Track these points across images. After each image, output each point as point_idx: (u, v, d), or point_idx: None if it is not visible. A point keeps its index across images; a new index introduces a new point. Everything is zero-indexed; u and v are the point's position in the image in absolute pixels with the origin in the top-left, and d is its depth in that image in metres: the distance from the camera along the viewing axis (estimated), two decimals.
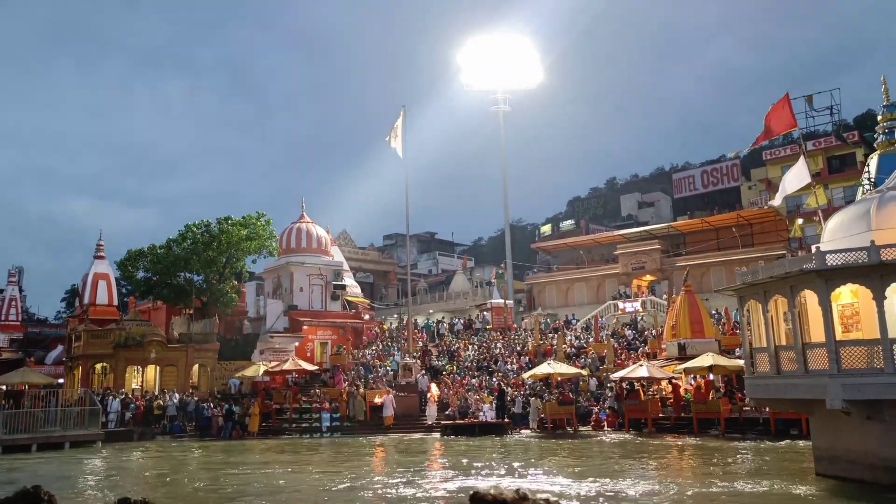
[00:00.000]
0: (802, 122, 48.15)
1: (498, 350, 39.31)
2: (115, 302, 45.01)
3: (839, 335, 14.26)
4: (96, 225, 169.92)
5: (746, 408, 26.52)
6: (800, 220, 38.50)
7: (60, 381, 37.64)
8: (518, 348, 39.17)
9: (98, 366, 36.64)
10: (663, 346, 32.24)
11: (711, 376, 28.54)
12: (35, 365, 43.12)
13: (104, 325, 38.22)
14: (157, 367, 36.88)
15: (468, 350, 39.97)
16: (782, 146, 54.33)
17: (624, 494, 14.16)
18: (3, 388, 33.25)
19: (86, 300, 43.09)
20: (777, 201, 26.41)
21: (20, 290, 60.77)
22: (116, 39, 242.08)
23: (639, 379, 29.16)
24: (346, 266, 48.42)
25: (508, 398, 31.54)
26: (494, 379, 34.49)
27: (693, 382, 29.44)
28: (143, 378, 36.89)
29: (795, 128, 23.26)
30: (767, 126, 22.21)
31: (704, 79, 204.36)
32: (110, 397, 32.44)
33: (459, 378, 35.48)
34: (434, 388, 32.64)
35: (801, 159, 22.49)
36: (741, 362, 27.53)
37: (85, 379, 35.60)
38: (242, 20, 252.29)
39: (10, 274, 59.33)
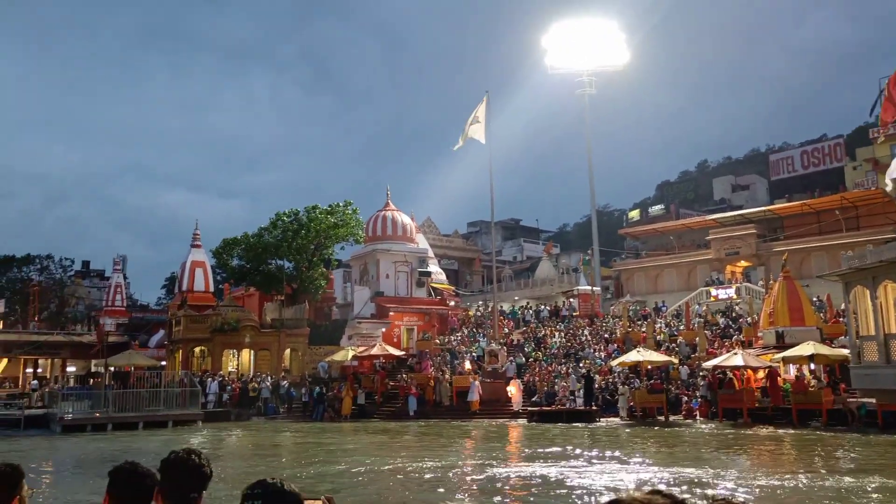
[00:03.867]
0: None
1: (585, 337, 38.77)
2: (212, 288, 46.77)
3: None
4: (191, 215, 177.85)
5: (851, 399, 25.26)
6: None
7: (163, 363, 39.52)
8: (606, 336, 38.52)
9: (197, 349, 38.27)
10: (759, 335, 31.01)
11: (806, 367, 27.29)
12: (139, 348, 45.37)
13: (201, 310, 39.81)
14: (252, 351, 38.21)
15: (555, 337, 39.59)
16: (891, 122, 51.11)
17: (722, 485, 13.68)
18: (112, 369, 35.18)
19: (184, 287, 44.95)
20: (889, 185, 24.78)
21: (124, 278, 64.00)
22: (204, 38, 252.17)
23: (733, 368, 28.15)
24: (430, 253, 48.75)
25: (596, 386, 31.09)
26: (582, 366, 34.04)
27: (793, 372, 28.25)
28: (238, 361, 38.31)
29: None
30: (890, 99, 20.85)
31: (800, 55, 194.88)
32: (209, 379, 33.83)
33: (546, 365, 35.21)
34: (512, 388, 32.36)
35: None
36: (845, 351, 26.30)
37: (185, 362, 37.25)
38: (323, 14, 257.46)
39: (115, 262, 62.49)
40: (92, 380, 37.82)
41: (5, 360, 47.23)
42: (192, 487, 2.40)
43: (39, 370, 48.43)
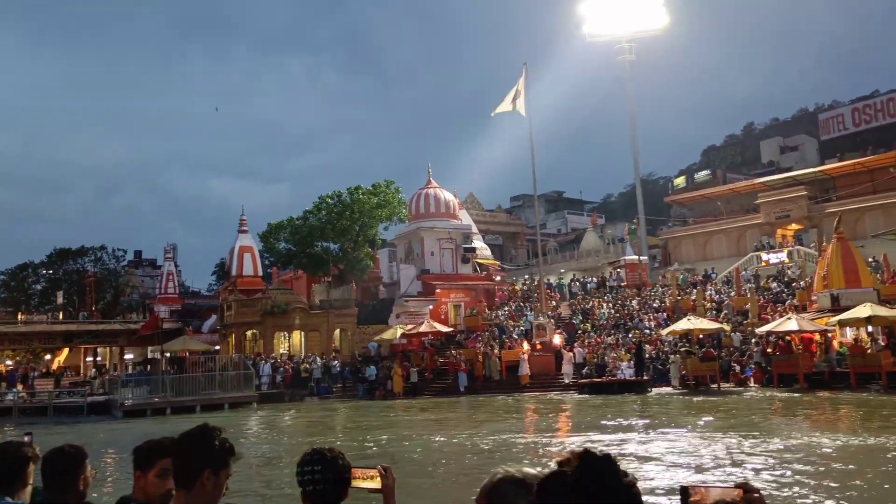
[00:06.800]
0: None
1: (633, 307, 38.39)
2: (260, 273, 47.43)
3: None
4: (238, 202, 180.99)
5: None
6: None
7: (216, 347, 40.40)
8: (654, 305, 38.08)
9: (248, 333, 39.01)
10: (814, 298, 30.31)
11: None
12: (193, 334, 46.45)
13: (251, 294, 40.49)
14: (302, 333, 38.80)
15: (602, 308, 39.30)
16: None
17: (781, 448, 13.46)
18: (168, 355, 36.11)
19: (234, 272, 45.71)
20: None
21: (175, 266, 65.50)
22: (240, 25, 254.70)
23: (787, 333, 27.58)
24: (474, 229, 48.67)
25: (647, 356, 30.81)
26: (631, 336, 33.75)
27: (850, 336, 27.57)
28: (289, 343, 38.93)
29: None
30: None
31: (851, 8, 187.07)
32: (261, 362, 34.49)
33: (595, 336, 34.99)
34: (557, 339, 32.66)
35: None
36: None
37: (238, 345, 38.02)
38: None
39: (166, 251, 64.02)
40: (149, 366, 38.89)
41: (66, 350, 48.87)
42: (203, 462, 2.27)
43: (99, 358, 50.00)
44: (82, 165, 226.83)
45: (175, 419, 26.34)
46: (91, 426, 25.74)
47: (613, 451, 13.97)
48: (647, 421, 19.23)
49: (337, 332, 39.51)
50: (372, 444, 17.44)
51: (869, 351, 25.94)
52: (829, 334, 27.85)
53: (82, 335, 46.09)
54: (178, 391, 29.81)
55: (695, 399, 25.05)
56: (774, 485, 10.33)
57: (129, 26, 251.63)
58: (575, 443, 16.11)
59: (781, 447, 13.77)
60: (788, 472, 11.25)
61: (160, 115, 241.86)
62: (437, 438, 17.86)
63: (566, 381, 31.10)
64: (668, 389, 28.60)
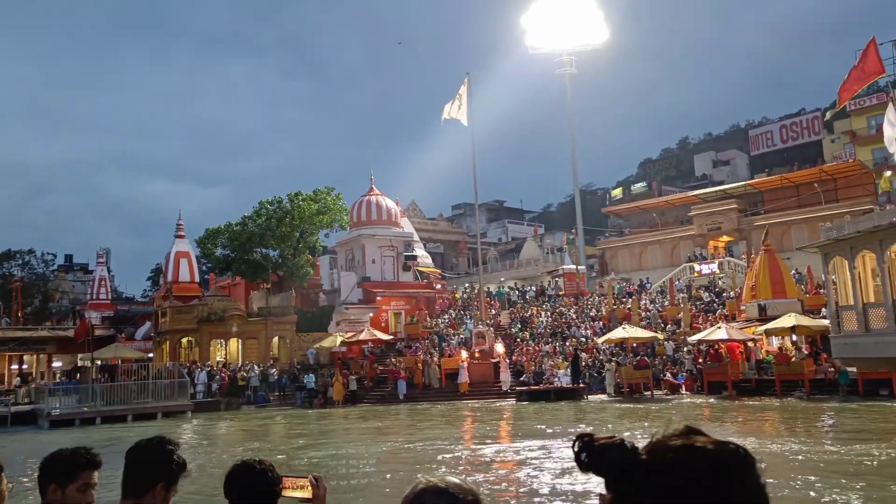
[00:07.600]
0: (890, 69, 45.51)
1: (571, 316, 39.05)
2: (197, 279, 46.42)
3: None
4: (175, 206, 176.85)
5: (831, 369, 25.70)
6: (888, 173, 36.55)
7: (150, 355, 39.37)
8: (591, 314, 38.82)
9: (184, 340, 38.18)
10: (742, 308, 31.42)
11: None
12: (126, 341, 45.14)
13: (187, 301, 39.63)
14: (239, 340, 38.18)
15: (541, 316, 39.85)
16: (867, 95, 51.59)
17: None
18: (99, 362, 35.04)
19: (169, 278, 44.65)
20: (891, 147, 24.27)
21: (108, 271, 63.58)
22: (182, 24, 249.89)
23: (717, 342, 28.52)
24: (416, 237, 48.78)
25: (583, 363, 31.39)
26: (568, 344, 34.33)
27: (776, 344, 28.68)
28: (226, 351, 38.25)
29: (883, 75, 21.91)
30: (852, 76, 20.99)
31: (779, 29, 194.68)
32: (197, 370, 33.79)
33: (533, 344, 35.46)
34: (499, 348, 32.95)
35: (890, 108, 21.28)
36: (826, 322, 26.66)
37: (172, 353, 37.14)
38: None
39: (99, 255, 62.07)
40: (78, 374, 37.68)
41: None
42: (156, 476, 2.32)
43: (25, 366, 48.12)
44: (9, 164, 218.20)
45: (105, 429, 25.61)
46: (14, 437, 24.81)
47: (540, 455, 14.21)
48: (570, 428, 19.62)
49: (275, 339, 39.01)
50: (305, 454, 17.31)
51: (793, 359, 27.00)
52: (757, 342, 28.92)
53: (7, 342, 44.31)
54: (108, 400, 28.95)
55: (626, 406, 25.66)
56: None
57: (65, 23, 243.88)
58: (516, 448, 16.32)
59: None
60: None
61: (96, 113, 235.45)
62: (372, 448, 17.86)
63: (504, 388, 31.43)
64: (603, 397, 29.20)
